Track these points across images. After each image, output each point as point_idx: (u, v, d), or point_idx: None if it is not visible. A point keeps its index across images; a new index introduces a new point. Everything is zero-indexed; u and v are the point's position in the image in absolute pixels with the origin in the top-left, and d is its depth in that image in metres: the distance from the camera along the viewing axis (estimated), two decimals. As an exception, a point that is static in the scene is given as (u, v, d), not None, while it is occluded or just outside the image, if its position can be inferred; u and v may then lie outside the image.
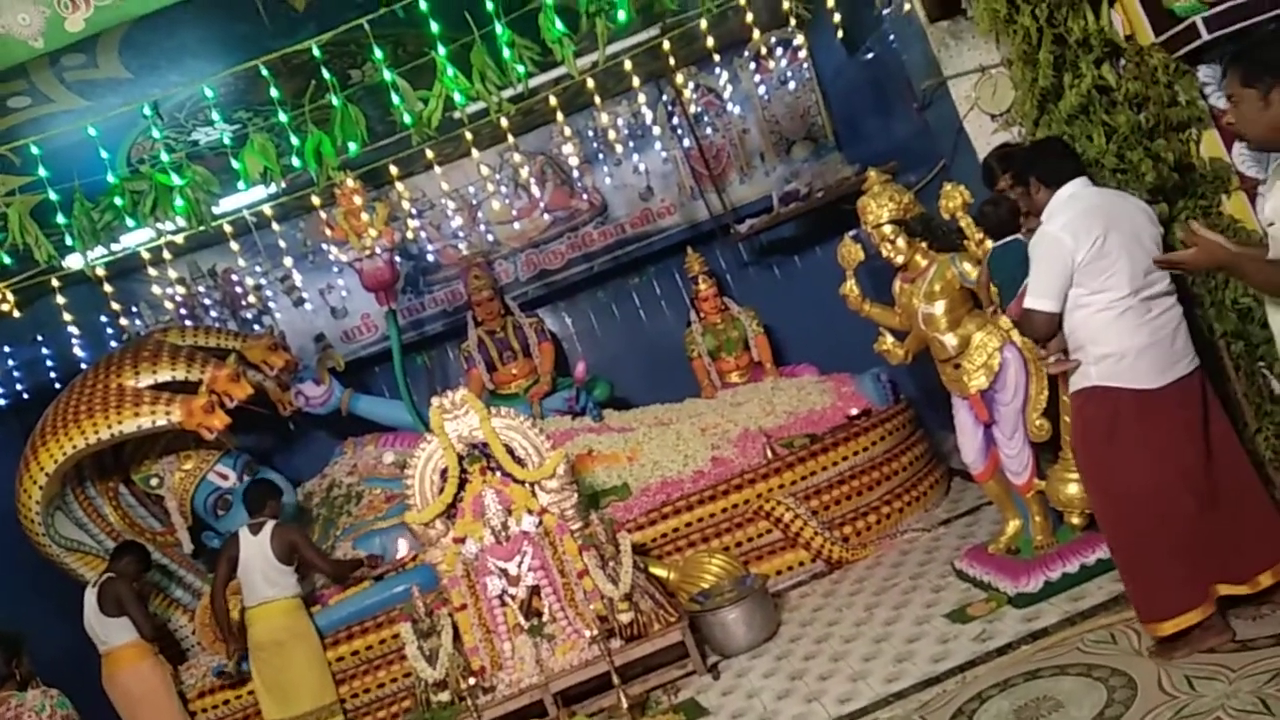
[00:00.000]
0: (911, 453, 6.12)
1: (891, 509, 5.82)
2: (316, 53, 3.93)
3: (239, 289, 7.38)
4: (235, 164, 4.17)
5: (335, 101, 4.02)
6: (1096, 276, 3.23)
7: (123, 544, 5.80)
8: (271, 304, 7.35)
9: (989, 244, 4.18)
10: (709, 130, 7.62)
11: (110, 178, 4.16)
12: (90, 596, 5.42)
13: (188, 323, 7.07)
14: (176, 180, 4.11)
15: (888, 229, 4.40)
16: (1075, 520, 4.26)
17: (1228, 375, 3.91)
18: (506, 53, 4.01)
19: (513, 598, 4.82)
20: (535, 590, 4.83)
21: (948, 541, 5.31)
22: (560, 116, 5.35)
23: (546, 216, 7.63)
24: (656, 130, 7.22)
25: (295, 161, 4.20)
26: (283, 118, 4.08)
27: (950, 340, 4.30)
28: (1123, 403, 3.25)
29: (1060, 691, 3.37)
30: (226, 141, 4.38)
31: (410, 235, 6.82)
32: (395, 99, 4.03)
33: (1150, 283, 3.27)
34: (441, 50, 3.99)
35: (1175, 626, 3.25)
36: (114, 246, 5.21)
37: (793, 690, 4.21)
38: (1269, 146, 2.88)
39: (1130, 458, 3.25)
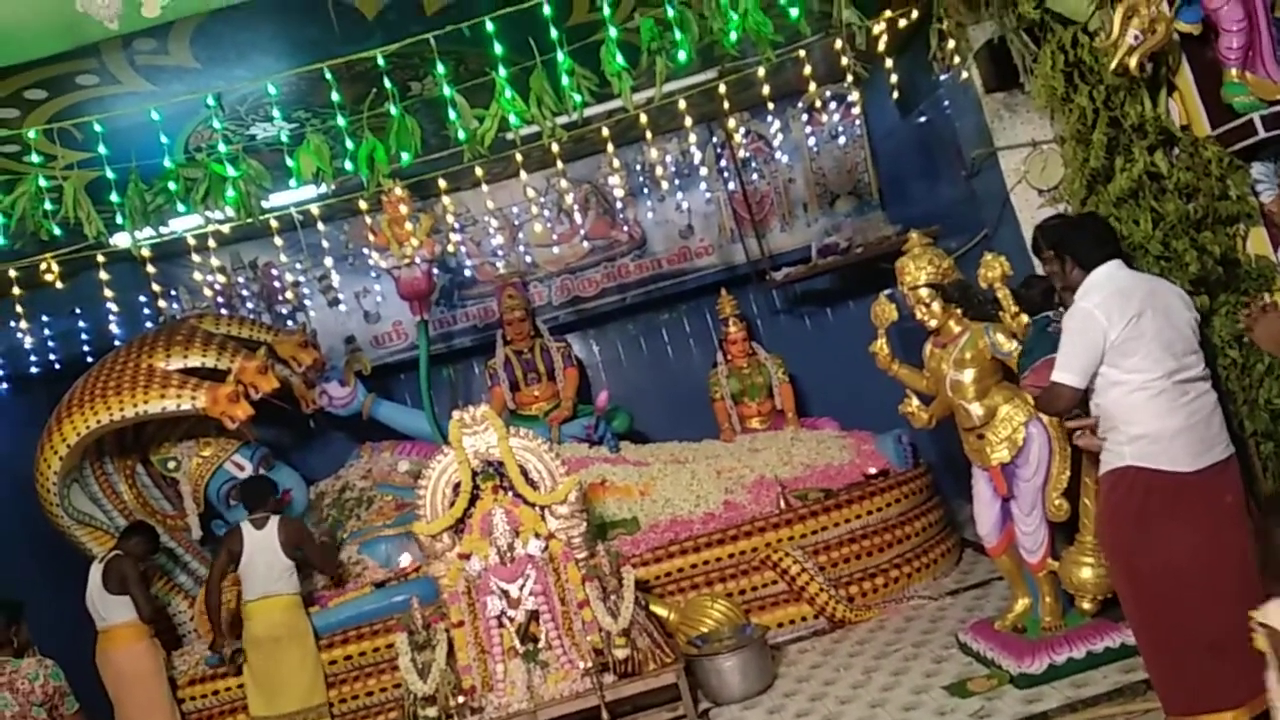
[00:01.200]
0: (926, 518, 6.05)
1: (900, 573, 5.75)
2: (381, 61, 4.00)
3: (277, 284, 7.48)
4: (289, 161, 4.24)
5: (393, 111, 4.09)
6: (1130, 356, 3.21)
7: (133, 524, 5.84)
8: (307, 302, 7.43)
9: (1024, 318, 4.17)
10: (755, 176, 7.68)
11: (167, 162, 4.25)
12: (95, 572, 5.45)
13: (223, 311, 7.16)
14: (231, 171, 4.19)
15: (924, 292, 4.39)
16: (1086, 605, 4.19)
17: (1256, 475, 3.85)
18: (565, 80, 4.07)
19: (511, 620, 4.80)
20: (534, 615, 4.81)
21: (954, 612, 5.24)
22: (610, 148, 5.41)
23: (586, 244, 7.69)
24: (703, 171, 7.28)
25: (348, 165, 4.27)
26: (340, 121, 4.15)
27: (976, 410, 4.28)
28: (1156, 484, 3.19)
29: (1055, 779, 3.30)
30: (283, 139, 4.46)
31: (450, 249, 6.89)
32: (452, 114, 4.09)
33: (1186, 365, 3.24)
34: (502, 72, 4.06)
35: None
36: (161, 230, 5.30)
37: (782, 746, 4.16)
38: None
39: (1162, 541, 3.18)
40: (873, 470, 6.13)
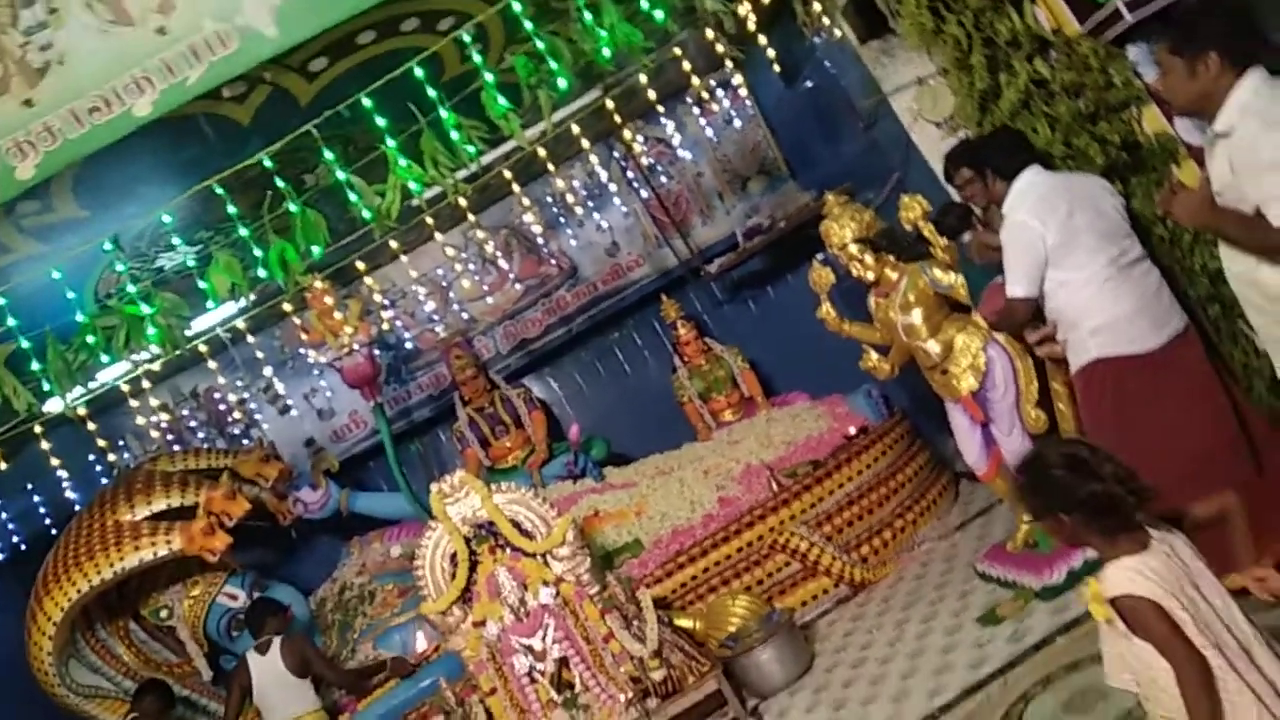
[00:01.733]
0: (915, 463, 6.11)
1: (905, 522, 5.79)
2: (267, 164, 3.97)
3: (222, 406, 7.35)
4: (202, 284, 4.18)
5: (293, 208, 4.05)
6: (1071, 253, 3.28)
7: (144, 684, 5.67)
8: (257, 416, 7.32)
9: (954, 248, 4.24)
10: (664, 179, 7.72)
11: (80, 317, 4.16)
12: None
13: (176, 448, 7.02)
14: (146, 309, 4.11)
15: (853, 248, 4.45)
16: (1087, 505, 4.26)
17: (1211, 339, 3.95)
18: (455, 135, 4.07)
19: (541, 673, 4.74)
20: (563, 662, 4.75)
21: (965, 545, 5.29)
22: (517, 188, 5.41)
23: (518, 287, 7.67)
24: (613, 187, 7.30)
25: (261, 273, 4.22)
26: (243, 232, 4.11)
27: (933, 347, 4.33)
28: (1128, 370, 3.25)
29: (1103, 679, 3.33)
30: (191, 263, 4.40)
31: (386, 326, 6.84)
32: (352, 197, 4.07)
33: (1125, 249, 3.32)
34: (391, 142, 4.05)
35: (1230, 585, 3.16)
36: (91, 384, 5.19)
37: (838, 721, 4.16)
38: (1193, 113, 2.95)
39: (1147, 423, 3.21)
40: (852, 430, 6.17)
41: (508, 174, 5.39)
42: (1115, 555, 2.13)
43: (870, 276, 4.47)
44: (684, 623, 5.26)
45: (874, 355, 4.68)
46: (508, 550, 4.89)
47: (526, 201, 5.77)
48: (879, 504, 5.81)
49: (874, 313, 4.61)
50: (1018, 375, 4.24)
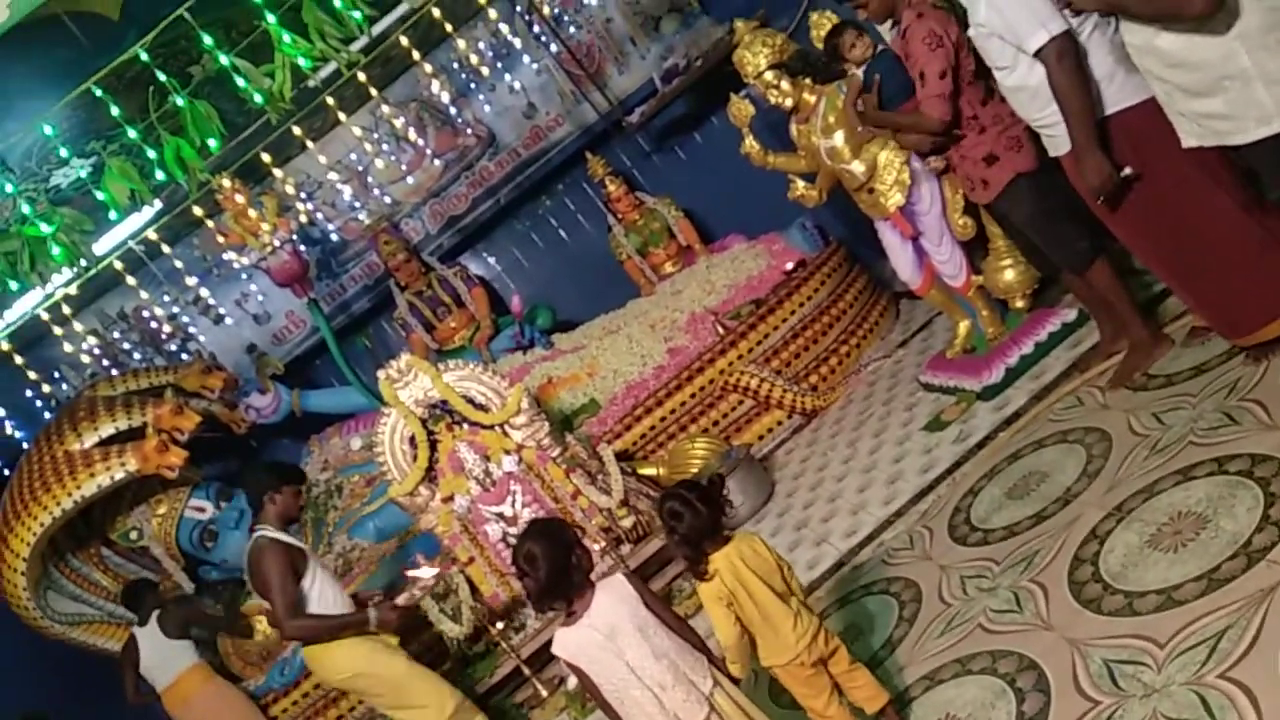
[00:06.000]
0: (854, 289, 6.19)
1: (849, 347, 5.92)
2: (144, 57, 3.74)
3: (154, 324, 7.16)
4: (101, 196, 4.00)
5: (180, 102, 3.84)
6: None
7: (128, 591, 5.72)
8: (192, 329, 7.15)
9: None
10: (572, 29, 7.40)
11: (-22, 246, 3.99)
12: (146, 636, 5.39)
13: (114, 372, 6.87)
14: (46, 229, 3.94)
15: (769, 76, 4.37)
16: (1019, 304, 4.37)
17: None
18: (338, 2, 3.85)
19: (515, 537, 4.86)
20: (534, 523, 4.87)
21: (909, 360, 5.43)
22: (418, 55, 5.16)
23: (437, 162, 7.42)
24: (520, 44, 7.00)
25: (161, 176, 4.04)
26: (133, 135, 3.90)
27: (858, 167, 4.31)
28: (1121, 130, 3.00)
29: (1043, 464, 3.50)
30: (84, 175, 4.19)
31: (306, 220, 6.62)
32: (241, 82, 3.86)
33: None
34: (271, 19, 3.82)
35: (1273, 332, 3.02)
36: (9, 315, 5.01)
37: (801, 539, 4.34)
38: None
39: (1154, 182, 3.00)
40: (790, 265, 6.20)
41: (405, 42, 5.13)
42: (563, 622, 2.57)
43: (788, 103, 4.40)
44: (647, 470, 5.40)
45: (800, 184, 4.66)
46: (465, 426, 4.93)
47: (429, 69, 5.51)
48: (823, 333, 5.91)
49: (796, 140, 4.56)
50: (943, 185, 4.25)
